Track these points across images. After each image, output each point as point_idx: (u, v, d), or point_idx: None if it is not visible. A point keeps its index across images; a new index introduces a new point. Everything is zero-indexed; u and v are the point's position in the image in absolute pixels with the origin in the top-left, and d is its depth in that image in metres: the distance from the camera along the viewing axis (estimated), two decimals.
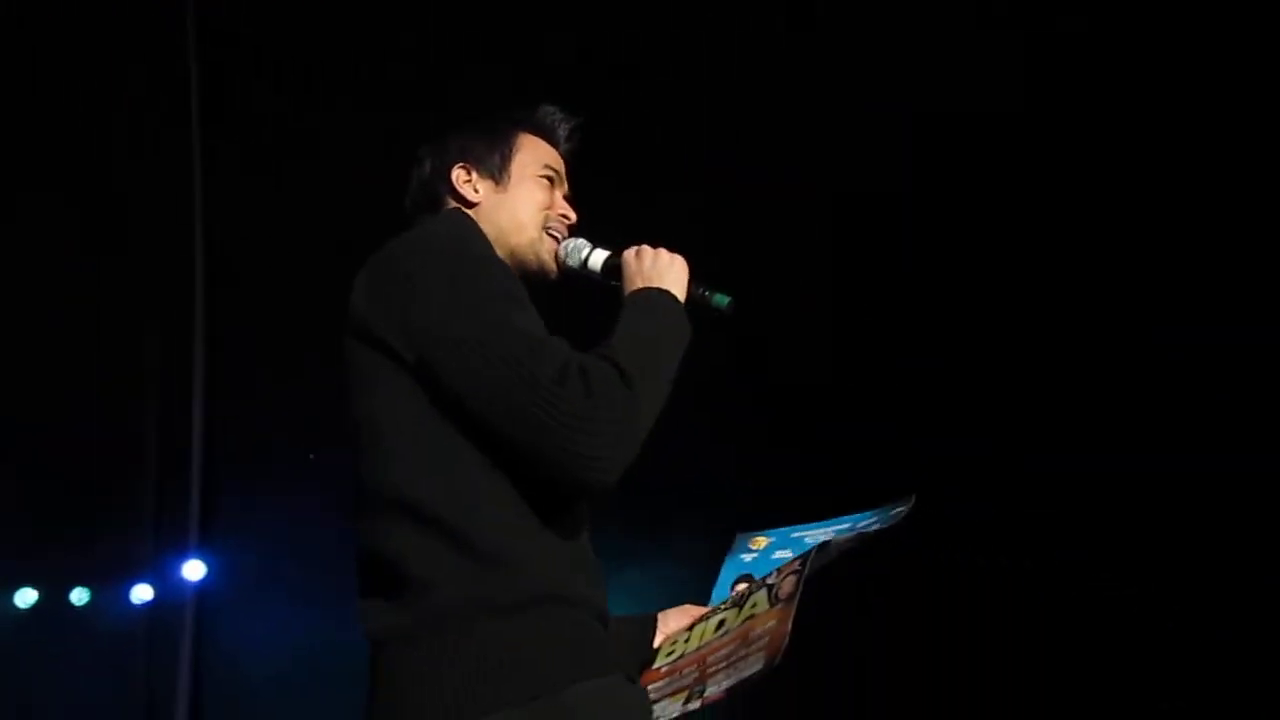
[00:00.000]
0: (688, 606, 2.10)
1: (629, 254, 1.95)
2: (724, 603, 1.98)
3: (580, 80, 4.48)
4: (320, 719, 4.81)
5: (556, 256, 2.03)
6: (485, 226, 1.94)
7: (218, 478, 5.68)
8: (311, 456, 5.34)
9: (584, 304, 1.99)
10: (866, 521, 1.97)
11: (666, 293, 1.86)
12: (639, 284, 1.88)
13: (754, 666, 1.82)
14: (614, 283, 1.96)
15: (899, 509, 1.96)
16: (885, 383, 4.91)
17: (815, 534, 2.03)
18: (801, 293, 4.97)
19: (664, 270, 1.89)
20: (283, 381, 5.33)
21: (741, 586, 2.00)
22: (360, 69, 5.10)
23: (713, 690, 1.87)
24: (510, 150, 2.04)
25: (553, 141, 2.10)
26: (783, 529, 2.09)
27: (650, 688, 1.94)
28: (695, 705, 1.89)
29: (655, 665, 1.99)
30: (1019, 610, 4.81)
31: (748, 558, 2.07)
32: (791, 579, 1.86)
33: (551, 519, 1.68)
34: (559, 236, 2.03)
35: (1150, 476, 4.47)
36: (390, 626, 1.66)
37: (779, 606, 1.85)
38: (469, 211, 1.98)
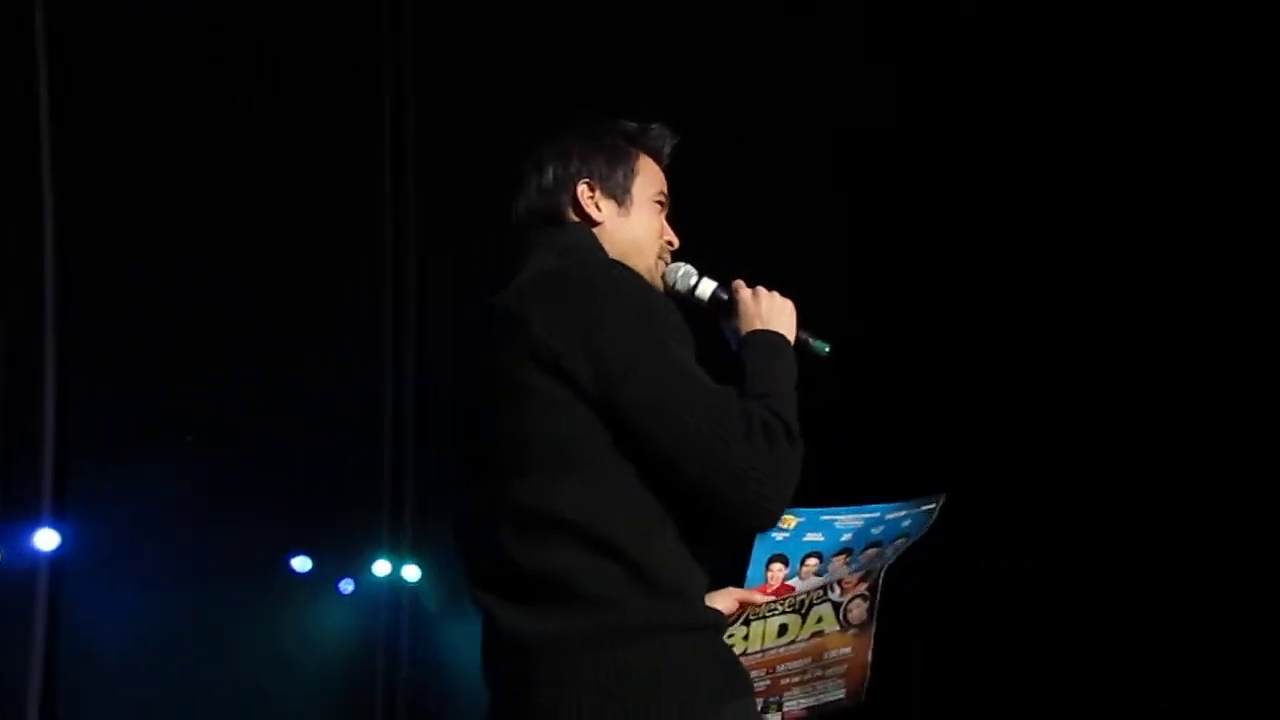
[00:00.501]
0: (730, 589, 2.16)
1: (745, 293, 2.01)
2: (781, 602, 2.05)
3: None
4: (169, 693, 5.13)
5: (664, 278, 2.08)
6: (606, 245, 2.00)
7: (69, 458, 5.64)
8: (189, 439, 5.34)
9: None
10: (896, 514, 2.03)
11: (784, 338, 1.95)
12: (757, 325, 1.97)
13: (834, 694, 1.95)
14: (720, 316, 2.05)
15: (929, 505, 2.03)
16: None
17: (845, 519, 2.09)
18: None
19: (779, 314, 1.98)
20: (138, 368, 5.32)
21: (790, 583, 2.08)
22: (212, 70, 5.14)
23: (791, 706, 1.98)
24: (632, 172, 2.06)
25: (660, 162, 2.12)
26: (812, 510, 2.11)
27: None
28: (776, 717, 2.00)
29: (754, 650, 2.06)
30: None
31: (779, 536, 2.10)
32: (860, 604, 1.97)
33: (702, 553, 1.82)
34: (666, 261, 2.09)
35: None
36: (556, 635, 1.75)
37: (852, 633, 1.96)
38: (593, 230, 2.02)
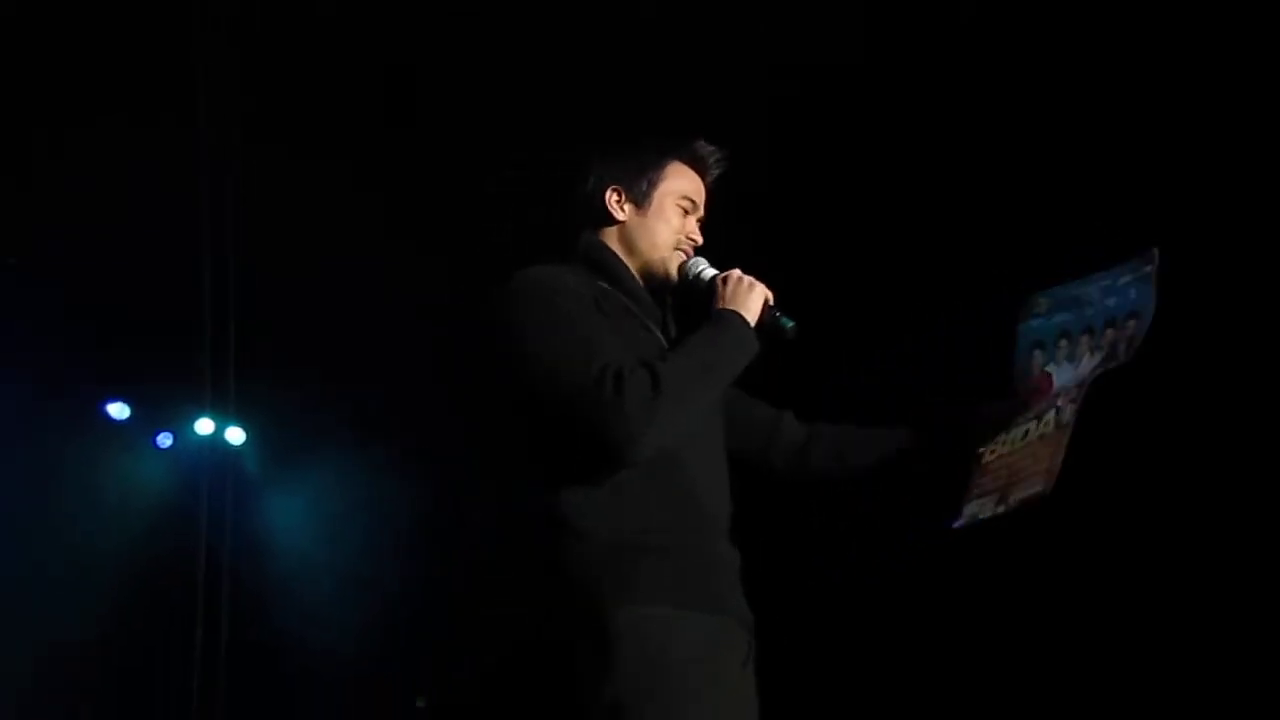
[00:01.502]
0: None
1: (719, 278, 2.38)
2: (1031, 415, 2.28)
3: None
4: None
5: (681, 268, 2.44)
6: (626, 239, 2.44)
7: None
8: (12, 261, 5.24)
9: None
10: (1125, 278, 2.20)
11: (737, 314, 2.31)
12: (720, 305, 2.33)
13: (1034, 486, 2.20)
14: (710, 298, 2.40)
15: (1146, 268, 2.19)
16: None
17: (1085, 291, 2.26)
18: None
19: (743, 295, 2.33)
20: None
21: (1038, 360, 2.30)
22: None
23: (1015, 498, 2.23)
24: (657, 178, 2.45)
25: (700, 171, 2.50)
26: (1058, 288, 2.31)
27: (979, 480, 2.30)
28: (1001, 510, 2.24)
29: (988, 453, 2.31)
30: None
31: (1035, 322, 2.30)
32: (1071, 406, 2.20)
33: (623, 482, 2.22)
34: (686, 255, 2.46)
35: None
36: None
37: (1057, 431, 2.20)
38: (614, 228, 2.44)
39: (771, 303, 2.37)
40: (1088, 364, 2.24)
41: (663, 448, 2.15)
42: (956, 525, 2.29)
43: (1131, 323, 2.20)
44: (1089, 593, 4.66)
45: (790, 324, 2.34)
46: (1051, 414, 2.24)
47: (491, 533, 5.64)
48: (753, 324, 2.32)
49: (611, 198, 2.44)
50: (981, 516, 2.27)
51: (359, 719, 6.19)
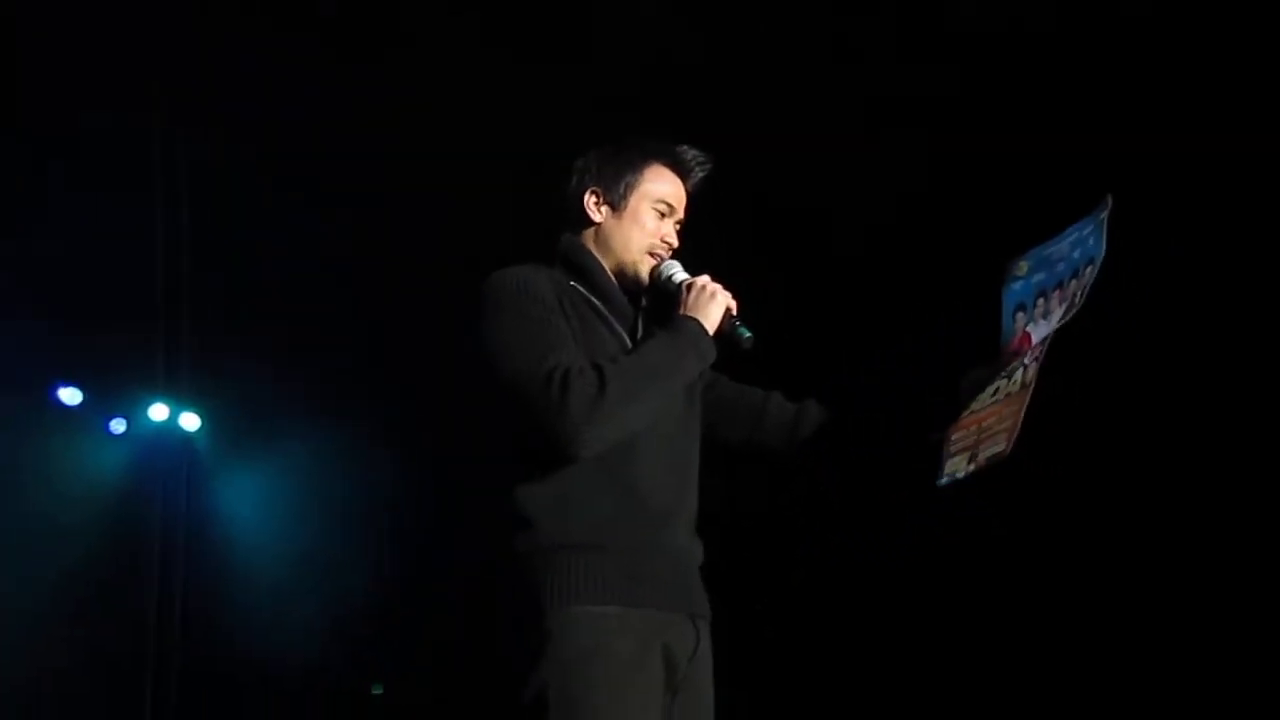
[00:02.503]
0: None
1: (686, 284, 2.45)
2: (1004, 373, 2.29)
3: None
4: None
5: (653, 272, 2.51)
6: (601, 240, 2.52)
7: None
8: None
9: None
10: (1086, 229, 2.22)
11: (696, 321, 2.39)
12: (682, 311, 2.41)
13: (998, 445, 2.30)
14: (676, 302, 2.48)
15: (1101, 214, 2.22)
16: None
17: (1057, 249, 2.25)
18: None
19: (704, 304, 2.41)
20: None
21: (1020, 322, 2.29)
22: None
23: (983, 456, 2.31)
24: (635, 182, 2.52)
25: (681, 175, 2.56)
26: (1035, 249, 2.28)
27: (954, 438, 2.31)
28: (973, 468, 2.33)
29: (964, 413, 2.30)
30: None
31: (1017, 285, 2.29)
32: (1034, 365, 2.26)
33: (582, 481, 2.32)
34: (661, 257, 2.52)
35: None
36: None
37: (1023, 391, 2.27)
38: (591, 229, 2.53)
39: (734, 313, 2.44)
40: (1056, 316, 2.28)
41: (613, 444, 2.24)
42: (941, 483, 2.33)
43: (1089, 269, 2.25)
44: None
45: (748, 334, 2.42)
46: (1019, 371, 2.29)
47: (450, 521, 5.65)
48: (711, 332, 2.40)
49: (590, 200, 2.53)
50: (959, 475, 2.34)
51: (316, 705, 6.17)
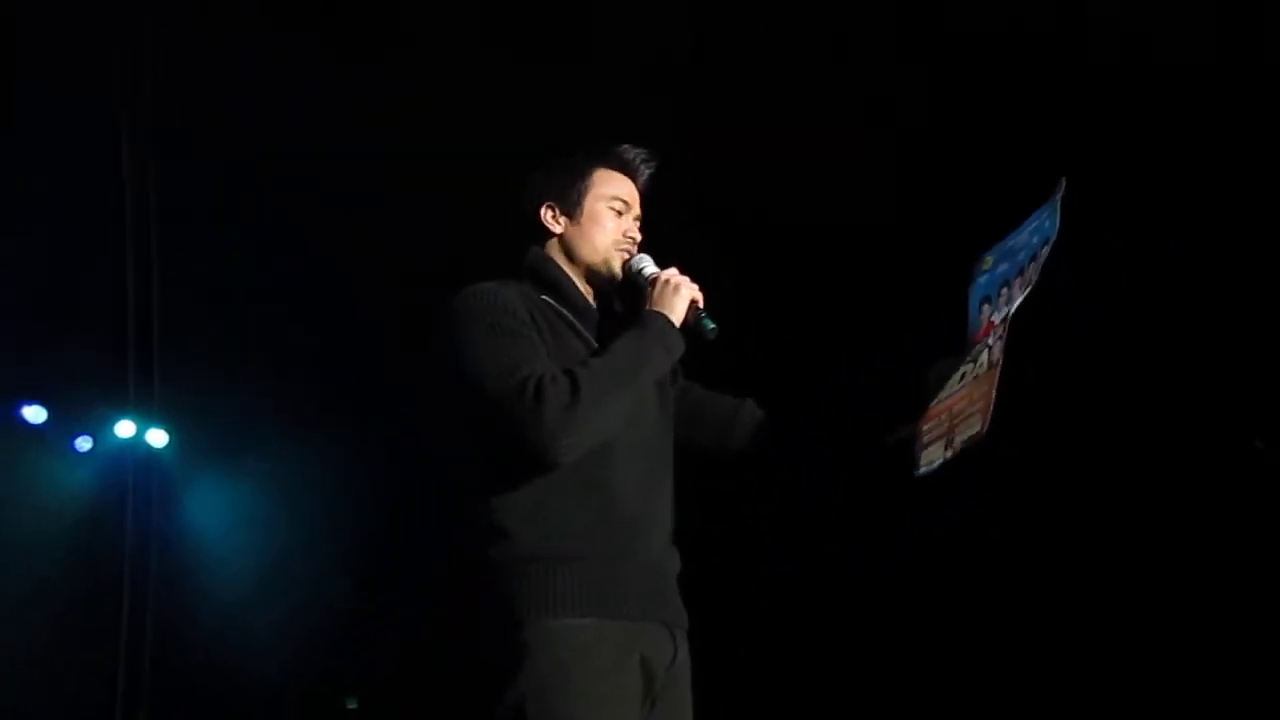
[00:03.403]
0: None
1: (651, 279, 2.49)
2: (969, 359, 2.29)
3: None
4: None
5: (625, 265, 2.55)
6: (567, 248, 2.56)
7: None
8: None
9: None
10: (1043, 215, 2.25)
11: (662, 315, 2.42)
12: (649, 306, 2.45)
13: (974, 427, 2.32)
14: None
15: (1058, 195, 2.24)
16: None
17: (1018, 240, 2.25)
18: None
19: (669, 297, 2.45)
20: None
21: (986, 313, 2.27)
22: None
23: (959, 440, 2.33)
24: (585, 187, 2.57)
25: (628, 174, 2.61)
26: (999, 243, 2.28)
27: (925, 428, 2.33)
28: (950, 454, 2.34)
29: (931, 402, 2.32)
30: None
31: (983, 279, 2.27)
32: (999, 344, 2.28)
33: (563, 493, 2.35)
34: (629, 253, 2.56)
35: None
36: None
37: (991, 370, 2.28)
38: (554, 240, 2.56)
39: (700, 304, 2.47)
40: (1018, 300, 2.31)
41: (589, 451, 2.25)
42: (919, 474, 2.35)
43: (1045, 250, 2.30)
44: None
45: (712, 325, 2.45)
46: (984, 353, 2.31)
47: (422, 535, 5.63)
48: (678, 324, 2.43)
49: (546, 214, 2.57)
50: (936, 462, 2.35)
51: (289, 718, 6.13)
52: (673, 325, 2.42)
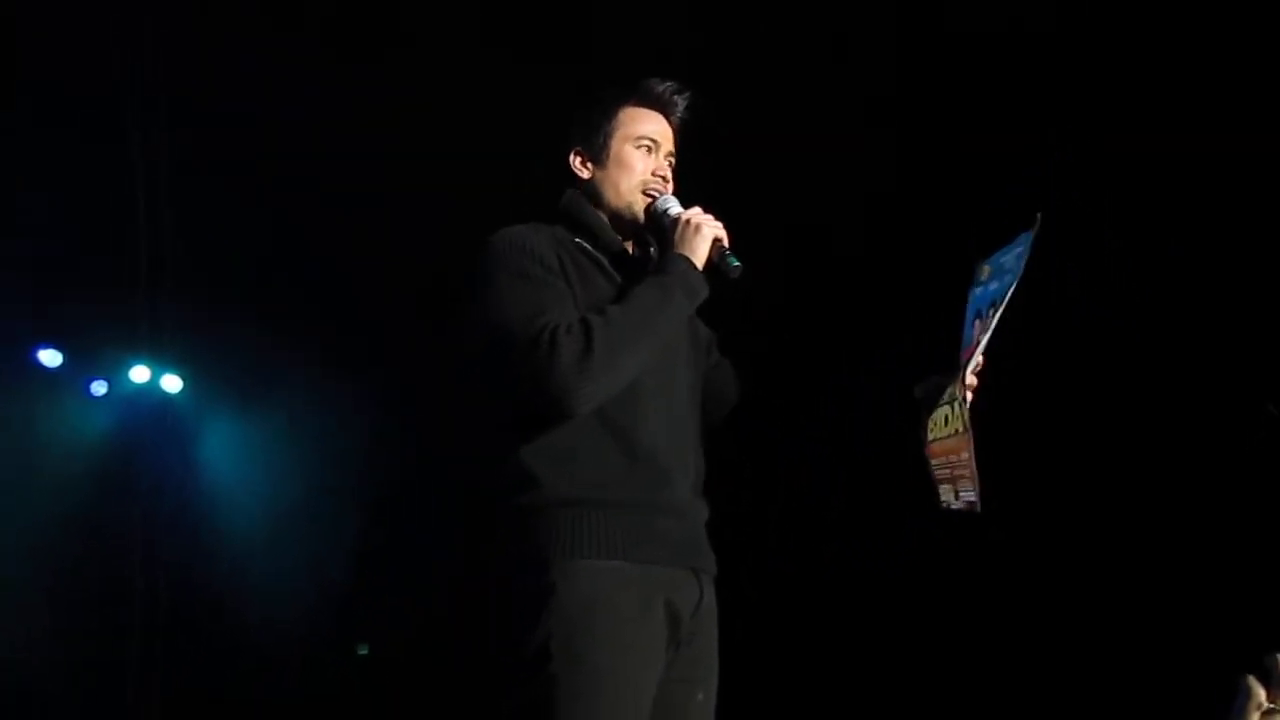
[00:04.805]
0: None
1: (673, 220, 2.43)
2: (944, 400, 2.27)
3: None
4: None
5: (648, 209, 2.49)
6: (594, 193, 2.51)
7: None
8: None
9: None
10: (1022, 245, 2.22)
11: (683, 258, 2.37)
12: (671, 249, 2.40)
13: (969, 495, 2.23)
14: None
15: (1033, 230, 2.21)
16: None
17: (1006, 257, 2.25)
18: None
19: (690, 238, 2.39)
20: None
21: (976, 330, 2.25)
22: None
23: (965, 496, 2.24)
24: (611, 129, 2.52)
25: (659, 109, 2.54)
26: (996, 255, 2.29)
27: (932, 462, 2.30)
28: (960, 506, 2.26)
29: (928, 440, 2.30)
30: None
31: (978, 290, 2.29)
32: (966, 406, 2.21)
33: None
34: (655, 194, 2.50)
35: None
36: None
37: (967, 432, 2.20)
38: (586, 186, 2.52)
39: (724, 243, 2.41)
40: (985, 341, 2.27)
41: (611, 394, 2.25)
42: (946, 507, 2.31)
43: (1009, 293, 2.24)
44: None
45: (736, 264, 2.39)
46: (959, 404, 2.25)
47: (440, 479, 5.61)
48: (700, 265, 2.39)
49: (575, 160, 2.54)
50: (951, 504, 2.30)
51: (301, 666, 6.14)
52: (694, 267, 2.38)
